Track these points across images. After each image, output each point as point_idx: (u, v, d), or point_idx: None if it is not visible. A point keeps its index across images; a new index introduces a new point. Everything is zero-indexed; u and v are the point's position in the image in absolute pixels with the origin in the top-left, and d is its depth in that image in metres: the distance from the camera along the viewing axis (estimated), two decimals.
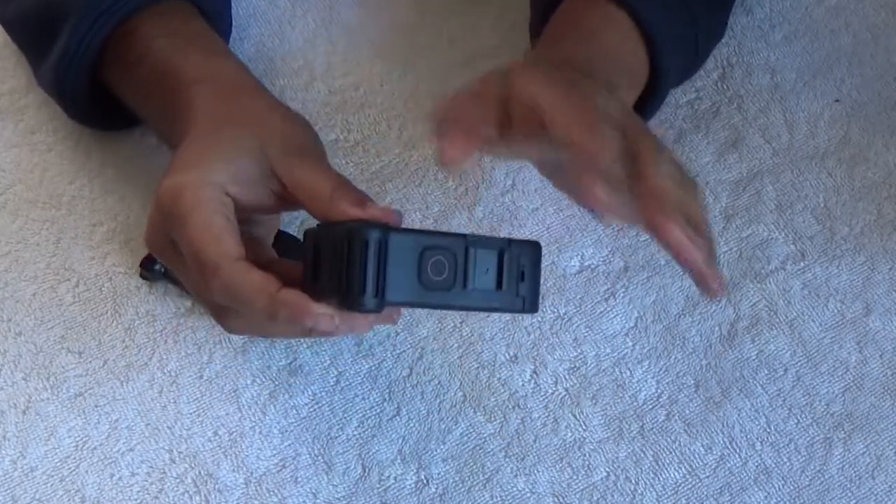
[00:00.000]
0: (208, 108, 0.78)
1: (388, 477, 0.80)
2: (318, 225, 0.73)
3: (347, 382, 0.83)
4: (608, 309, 0.85)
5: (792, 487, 0.81)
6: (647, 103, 0.85)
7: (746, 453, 0.82)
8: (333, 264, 0.70)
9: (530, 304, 0.73)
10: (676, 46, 0.85)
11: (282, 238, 0.82)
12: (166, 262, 0.77)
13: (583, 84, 0.75)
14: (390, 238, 0.70)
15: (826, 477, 0.81)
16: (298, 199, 0.74)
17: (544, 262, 0.86)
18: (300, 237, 0.84)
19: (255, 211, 0.75)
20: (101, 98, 0.85)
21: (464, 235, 0.71)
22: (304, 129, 0.79)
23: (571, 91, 0.73)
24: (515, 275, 0.72)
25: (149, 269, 0.84)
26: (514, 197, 0.88)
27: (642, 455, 0.81)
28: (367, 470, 0.80)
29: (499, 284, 0.72)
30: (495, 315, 0.84)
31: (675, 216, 0.70)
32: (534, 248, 0.73)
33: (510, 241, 0.73)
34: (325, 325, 0.71)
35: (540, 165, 0.78)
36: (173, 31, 0.81)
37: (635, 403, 0.83)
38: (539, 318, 0.85)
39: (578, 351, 0.84)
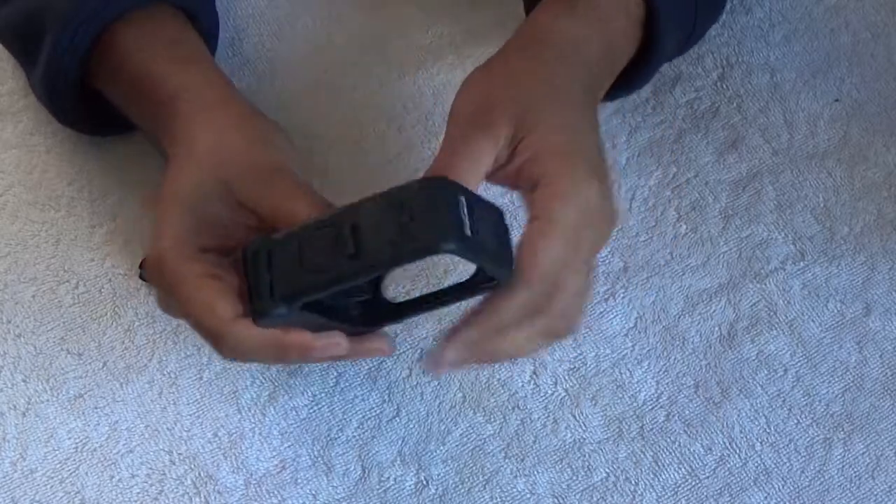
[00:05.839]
0: (184, 135, 0.78)
1: (388, 478, 0.80)
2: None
3: (347, 383, 0.83)
4: (608, 309, 0.85)
5: (792, 488, 0.81)
6: (636, 75, 0.85)
7: (746, 454, 0.82)
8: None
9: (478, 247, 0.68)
10: (676, 20, 0.84)
11: None
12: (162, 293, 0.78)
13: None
14: (272, 245, 0.71)
15: (826, 477, 0.81)
16: (278, 226, 0.74)
17: None
18: None
19: (238, 244, 0.75)
20: (93, 104, 0.85)
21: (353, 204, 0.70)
22: (272, 144, 0.78)
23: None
24: (430, 213, 0.68)
25: None
26: (513, 198, 0.88)
27: (642, 456, 0.81)
28: (366, 471, 0.80)
29: (401, 230, 0.68)
30: None
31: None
32: (442, 185, 0.69)
33: (407, 186, 0.69)
34: (336, 353, 0.73)
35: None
36: (144, 44, 0.81)
37: (635, 404, 0.83)
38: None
39: (578, 352, 0.84)
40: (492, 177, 0.75)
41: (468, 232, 0.68)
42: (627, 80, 0.85)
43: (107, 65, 0.81)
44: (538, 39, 0.81)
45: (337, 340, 0.73)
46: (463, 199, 0.69)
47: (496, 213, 0.72)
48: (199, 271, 0.73)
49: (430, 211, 0.68)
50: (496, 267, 0.71)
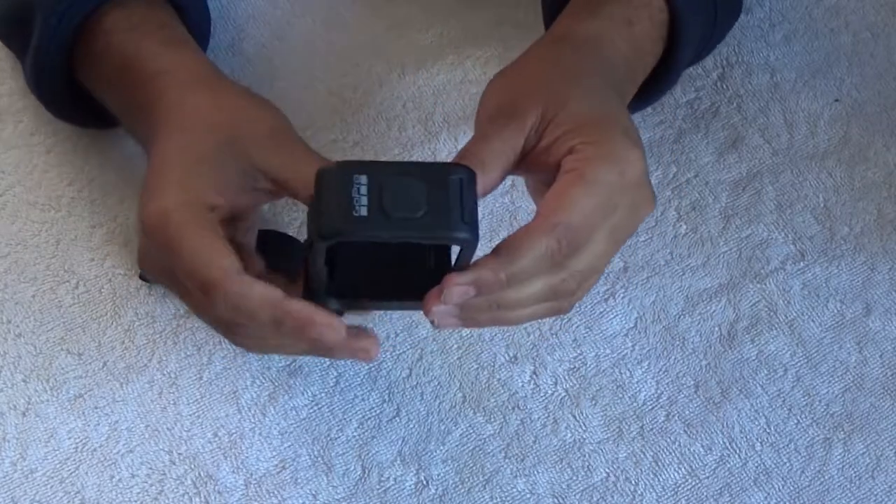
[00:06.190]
0: (174, 106, 0.77)
1: (388, 478, 0.80)
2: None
3: (347, 383, 0.83)
4: (608, 309, 0.85)
5: (792, 488, 0.81)
6: (659, 81, 0.85)
7: (746, 454, 0.82)
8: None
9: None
10: (698, 24, 0.84)
11: (268, 237, 0.81)
12: (165, 285, 0.77)
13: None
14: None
15: (826, 477, 0.81)
16: (291, 194, 0.73)
17: None
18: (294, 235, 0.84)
19: (244, 212, 0.75)
20: (82, 96, 0.84)
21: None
22: (273, 112, 0.77)
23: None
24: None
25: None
26: (513, 197, 0.88)
27: (642, 456, 0.81)
28: (366, 471, 0.80)
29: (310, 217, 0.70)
30: None
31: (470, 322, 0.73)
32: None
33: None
34: (330, 336, 0.71)
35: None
36: (134, 24, 0.81)
37: (635, 404, 0.83)
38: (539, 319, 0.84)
39: (578, 352, 0.84)
40: (520, 164, 0.73)
41: (362, 213, 0.67)
42: (650, 88, 0.84)
43: (92, 48, 0.81)
44: (560, 40, 0.81)
45: (334, 324, 0.71)
46: (363, 177, 0.68)
47: (449, 179, 0.69)
48: (206, 226, 0.72)
49: (326, 196, 0.68)
50: (434, 233, 0.68)
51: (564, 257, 0.70)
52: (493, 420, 0.82)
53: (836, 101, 0.93)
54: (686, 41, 0.83)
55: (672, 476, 0.81)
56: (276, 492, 0.80)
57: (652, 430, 0.82)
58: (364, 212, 0.67)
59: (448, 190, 0.68)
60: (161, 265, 0.74)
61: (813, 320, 0.86)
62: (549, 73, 0.77)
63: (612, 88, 0.78)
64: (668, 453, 0.82)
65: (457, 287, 0.69)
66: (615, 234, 0.72)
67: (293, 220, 0.87)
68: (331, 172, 0.69)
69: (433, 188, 0.68)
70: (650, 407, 0.83)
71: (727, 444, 0.82)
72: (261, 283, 0.71)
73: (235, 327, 0.73)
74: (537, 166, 0.74)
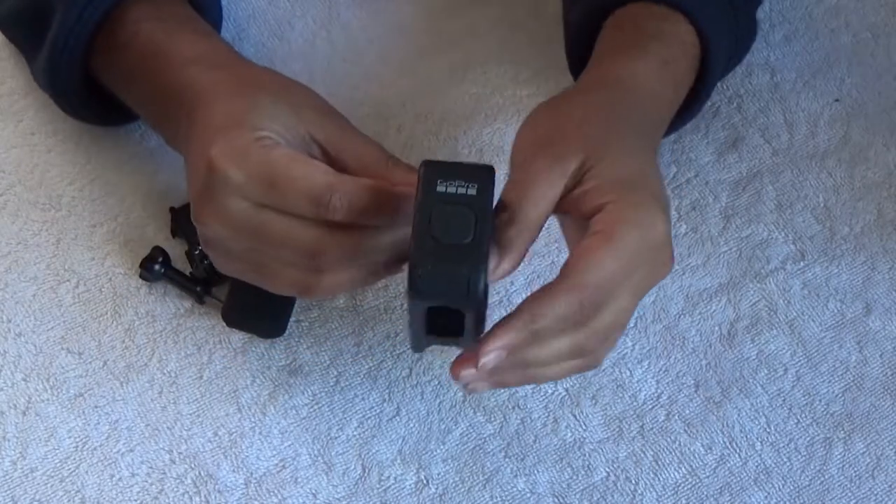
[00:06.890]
0: (214, 82, 0.76)
1: (388, 477, 0.80)
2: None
3: (347, 383, 0.83)
4: None
5: (792, 487, 0.81)
6: (692, 104, 0.85)
7: (746, 453, 0.82)
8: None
9: None
10: (723, 53, 0.85)
11: None
12: (236, 229, 0.72)
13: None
14: None
15: (826, 477, 0.81)
16: (343, 166, 0.73)
17: (546, 261, 0.87)
18: None
19: None
20: (96, 92, 0.84)
21: None
22: (314, 91, 0.78)
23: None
24: None
25: (148, 270, 0.84)
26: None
27: (642, 455, 0.82)
28: (366, 470, 0.80)
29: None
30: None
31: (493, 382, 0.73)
32: None
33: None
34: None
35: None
36: (161, 16, 0.81)
37: (635, 403, 0.83)
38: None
39: None
40: (556, 205, 0.74)
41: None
42: (677, 115, 0.85)
43: (115, 40, 0.81)
44: (598, 82, 0.81)
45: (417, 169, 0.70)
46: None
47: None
48: (291, 152, 0.72)
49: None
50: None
51: (586, 317, 0.71)
52: (493, 419, 0.82)
53: (836, 101, 0.93)
54: (715, 70, 0.84)
55: (672, 475, 0.81)
56: (276, 491, 0.80)
57: (652, 429, 0.82)
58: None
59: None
60: (232, 208, 0.71)
61: (813, 320, 0.86)
62: (589, 117, 0.77)
63: (647, 134, 0.79)
64: (668, 453, 0.82)
65: (493, 353, 0.70)
66: (636, 292, 0.73)
67: None
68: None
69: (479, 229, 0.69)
70: (650, 406, 0.83)
71: (727, 443, 0.82)
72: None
73: (348, 238, 0.71)
74: (569, 210, 0.74)
